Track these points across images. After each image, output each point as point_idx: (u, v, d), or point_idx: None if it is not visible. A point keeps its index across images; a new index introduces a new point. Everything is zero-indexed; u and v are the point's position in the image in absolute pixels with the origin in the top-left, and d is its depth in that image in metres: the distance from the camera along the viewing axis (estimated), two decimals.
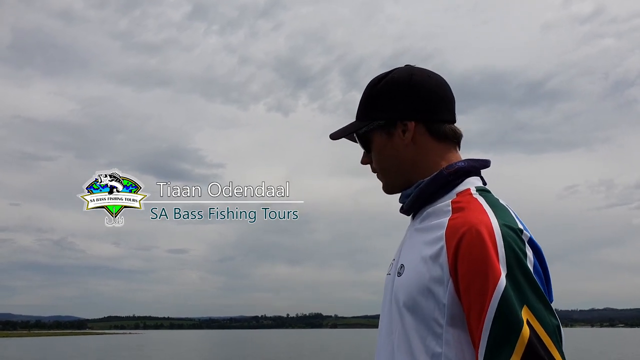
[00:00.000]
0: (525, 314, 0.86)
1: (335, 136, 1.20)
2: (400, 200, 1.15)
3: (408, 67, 1.14)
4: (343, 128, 1.18)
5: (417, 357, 0.97)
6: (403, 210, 1.15)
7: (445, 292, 0.94)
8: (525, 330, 0.85)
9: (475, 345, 0.90)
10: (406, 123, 1.09)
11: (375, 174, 1.17)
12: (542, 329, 0.86)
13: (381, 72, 1.15)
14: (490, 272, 0.88)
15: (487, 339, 0.87)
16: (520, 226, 0.95)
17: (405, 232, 1.16)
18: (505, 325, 0.86)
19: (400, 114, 1.10)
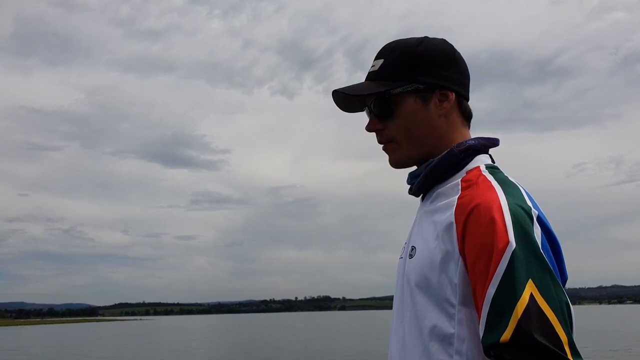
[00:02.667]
0: (529, 288, 0.84)
1: (352, 91, 1.07)
2: (409, 181, 1.12)
3: (443, 39, 1.12)
4: (365, 84, 1.08)
5: (427, 339, 0.96)
6: (412, 192, 1.12)
7: (456, 271, 0.93)
8: (524, 301, 0.83)
9: (478, 317, 0.89)
10: (446, 93, 1.07)
11: (382, 145, 1.10)
12: (546, 303, 0.83)
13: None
14: (497, 243, 0.87)
15: (488, 309, 0.86)
16: (529, 204, 0.93)
17: (415, 214, 1.14)
18: (506, 296, 0.84)
19: (444, 82, 1.07)
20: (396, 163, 1.10)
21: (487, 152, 1.09)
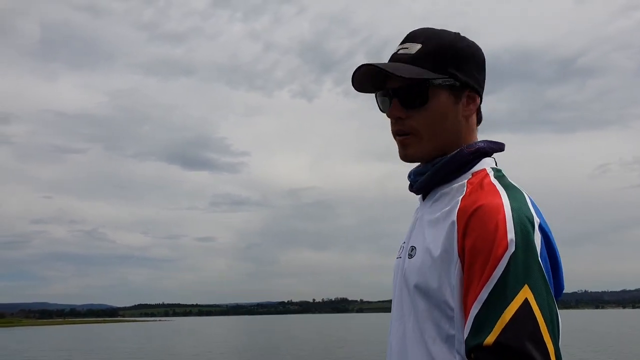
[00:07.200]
0: (524, 293, 0.82)
1: (392, 69, 1.01)
2: (411, 178, 1.09)
3: (470, 40, 1.08)
4: (405, 67, 1.02)
5: (430, 341, 0.94)
6: (413, 190, 1.10)
7: (454, 273, 0.91)
8: (515, 305, 0.81)
9: (466, 313, 0.86)
10: (474, 95, 1.06)
11: (398, 136, 1.05)
12: (539, 311, 0.81)
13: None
14: (497, 246, 0.85)
15: (477, 310, 0.84)
16: (532, 211, 0.92)
17: (414, 213, 1.12)
18: (498, 299, 0.82)
19: (475, 84, 1.06)
20: (410, 157, 1.06)
21: (491, 156, 1.07)
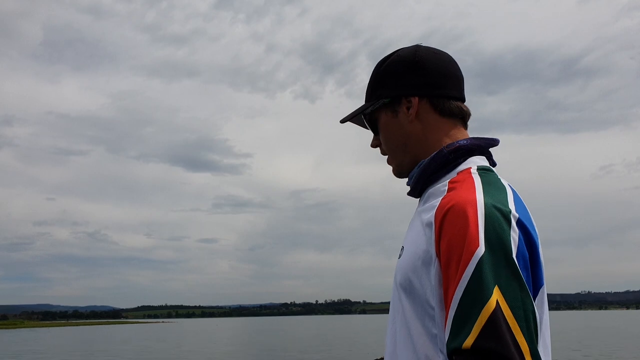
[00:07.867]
0: (495, 294, 0.82)
1: (344, 120, 1.19)
2: (407, 182, 1.13)
3: (414, 45, 1.13)
4: (352, 112, 1.17)
5: (416, 339, 0.95)
6: (409, 192, 1.13)
7: (434, 273, 0.92)
8: (490, 306, 0.81)
9: (446, 318, 0.87)
10: (410, 99, 1.09)
11: (386, 158, 1.16)
12: (510, 312, 0.82)
13: None
14: (467, 246, 0.86)
15: (454, 312, 0.85)
16: (511, 206, 0.91)
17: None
18: (472, 300, 0.83)
19: (405, 90, 1.09)
20: (394, 173, 1.16)
21: (484, 153, 1.07)
